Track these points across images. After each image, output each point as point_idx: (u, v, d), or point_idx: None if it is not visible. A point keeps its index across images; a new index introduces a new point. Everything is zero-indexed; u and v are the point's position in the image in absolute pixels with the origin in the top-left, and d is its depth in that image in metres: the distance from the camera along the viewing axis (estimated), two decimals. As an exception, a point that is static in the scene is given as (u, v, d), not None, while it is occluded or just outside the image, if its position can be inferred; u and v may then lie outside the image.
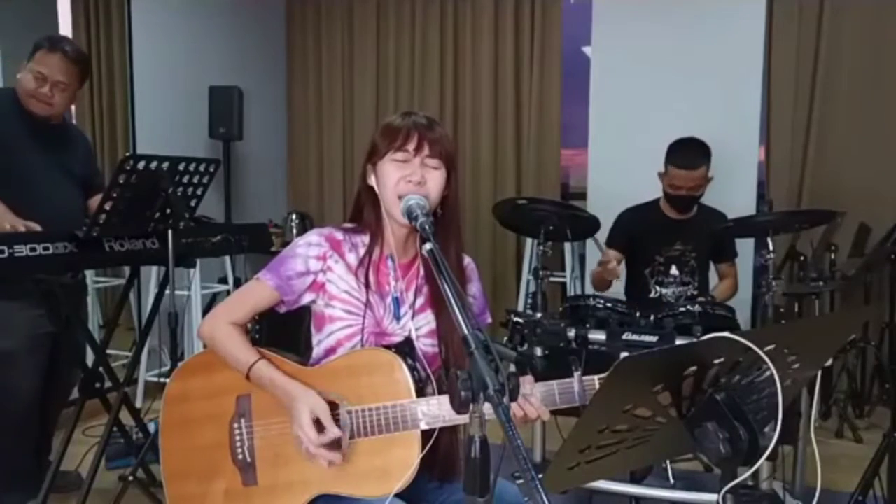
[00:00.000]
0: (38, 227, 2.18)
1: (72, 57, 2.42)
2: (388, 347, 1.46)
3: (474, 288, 1.61)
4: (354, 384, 1.42)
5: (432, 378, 1.47)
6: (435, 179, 1.45)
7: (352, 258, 1.51)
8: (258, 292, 1.51)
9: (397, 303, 1.51)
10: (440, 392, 1.44)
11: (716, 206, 3.00)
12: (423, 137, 1.44)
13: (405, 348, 1.48)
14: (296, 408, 1.38)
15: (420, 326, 1.51)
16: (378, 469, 1.40)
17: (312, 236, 1.52)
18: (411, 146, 1.44)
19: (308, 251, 1.50)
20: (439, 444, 1.41)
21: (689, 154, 2.79)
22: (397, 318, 1.51)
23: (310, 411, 1.36)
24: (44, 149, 2.44)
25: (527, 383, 1.38)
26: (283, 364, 1.48)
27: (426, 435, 1.40)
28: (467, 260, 1.61)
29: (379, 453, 1.40)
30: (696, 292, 2.94)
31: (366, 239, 1.53)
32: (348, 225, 1.56)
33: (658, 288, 2.96)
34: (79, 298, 2.68)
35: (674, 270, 2.94)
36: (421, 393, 1.42)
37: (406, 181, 1.43)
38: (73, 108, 2.91)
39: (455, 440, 1.47)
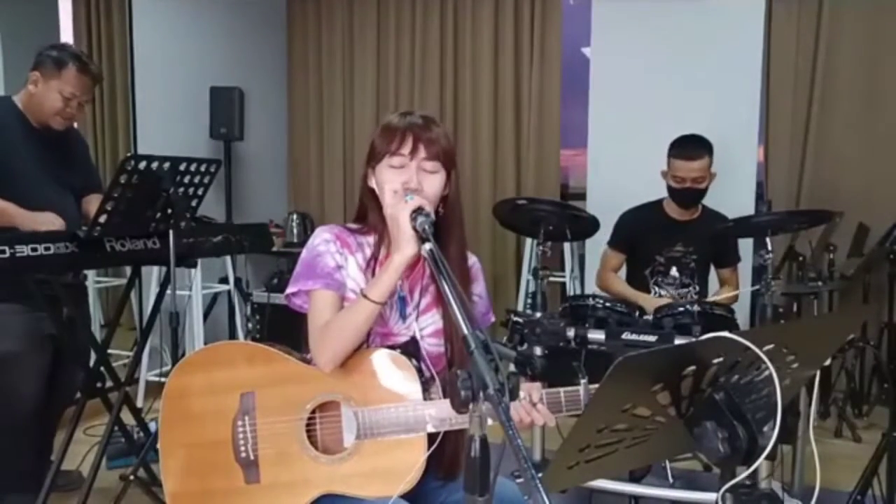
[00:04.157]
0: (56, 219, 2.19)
1: (97, 76, 2.46)
2: (393, 347, 1.46)
3: (479, 287, 1.61)
4: (360, 384, 1.43)
5: (437, 378, 1.47)
6: (432, 184, 1.45)
7: (359, 258, 1.51)
8: (322, 302, 1.46)
9: (403, 302, 1.51)
10: (445, 392, 1.45)
11: (715, 206, 3.00)
12: (419, 139, 1.44)
13: (410, 348, 1.48)
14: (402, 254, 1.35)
15: (425, 326, 1.51)
16: (382, 470, 1.40)
17: (325, 234, 1.51)
18: (406, 149, 1.43)
19: (329, 247, 1.49)
20: (445, 445, 1.41)
21: (689, 145, 2.84)
22: (403, 317, 1.51)
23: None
24: (41, 158, 2.43)
25: (535, 391, 1.39)
26: (285, 362, 1.48)
27: (431, 435, 1.40)
28: (472, 259, 1.60)
29: (384, 454, 1.41)
30: (697, 296, 2.94)
31: (370, 240, 1.53)
32: (353, 226, 1.56)
33: (657, 289, 2.96)
34: (81, 299, 2.69)
35: (674, 272, 2.94)
36: (425, 393, 1.42)
37: (403, 188, 1.42)
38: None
39: (461, 441, 1.46)
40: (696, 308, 2.41)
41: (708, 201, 2.98)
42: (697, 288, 2.96)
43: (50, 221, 2.24)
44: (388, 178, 1.45)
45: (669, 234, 2.92)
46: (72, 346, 2.47)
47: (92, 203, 2.50)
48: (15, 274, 2.06)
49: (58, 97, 2.36)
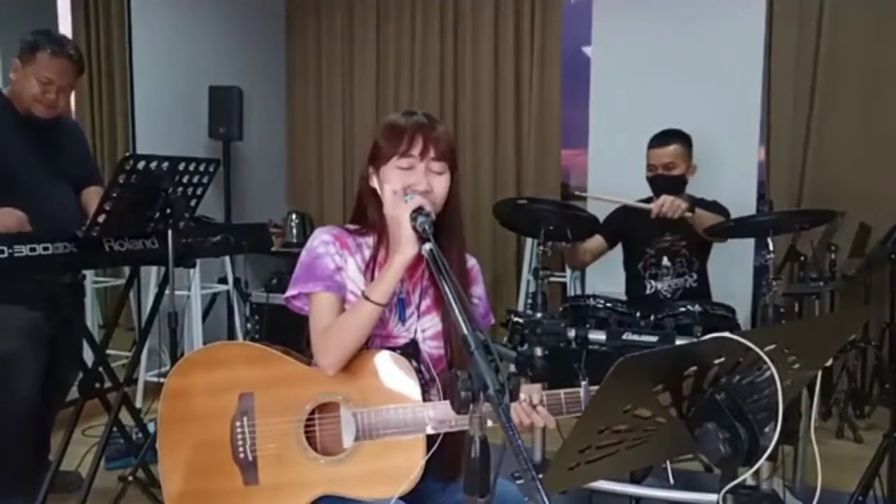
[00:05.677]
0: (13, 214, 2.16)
1: (76, 60, 2.40)
2: (393, 349, 1.45)
3: (479, 289, 1.60)
4: (360, 386, 1.42)
5: (437, 380, 1.47)
6: (440, 185, 1.44)
7: (358, 259, 1.51)
8: (323, 304, 1.45)
9: (403, 304, 1.50)
10: (444, 394, 1.44)
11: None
12: (428, 139, 1.43)
13: (410, 350, 1.48)
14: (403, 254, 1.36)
15: (426, 328, 1.51)
16: (382, 471, 1.40)
17: (324, 235, 1.50)
18: (416, 150, 1.42)
19: (328, 249, 1.48)
20: (445, 447, 1.41)
21: (660, 135, 2.92)
22: (402, 319, 1.50)
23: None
24: (36, 149, 2.42)
25: (535, 392, 1.38)
26: (284, 362, 1.48)
27: (431, 437, 1.40)
28: (472, 261, 1.60)
29: (383, 456, 1.40)
30: (695, 284, 2.94)
31: (370, 241, 1.52)
32: (352, 226, 1.55)
33: (653, 282, 2.96)
34: (79, 299, 2.68)
35: (665, 262, 2.95)
36: (425, 395, 1.41)
37: (412, 190, 1.41)
38: (72, 105, 2.89)
39: (461, 442, 1.45)
40: (697, 308, 2.40)
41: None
42: (695, 276, 2.95)
43: (8, 215, 2.17)
44: (395, 178, 1.43)
45: (656, 225, 2.91)
46: (68, 346, 2.47)
47: (91, 197, 2.49)
48: (14, 274, 2.05)
49: (35, 83, 2.32)
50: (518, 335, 2.48)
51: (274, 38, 5.15)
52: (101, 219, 2.14)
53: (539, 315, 2.50)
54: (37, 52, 2.33)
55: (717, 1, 3.83)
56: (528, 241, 4.19)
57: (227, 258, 4.01)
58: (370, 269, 1.49)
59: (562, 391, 1.41)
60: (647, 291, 2.97)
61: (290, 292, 1.49)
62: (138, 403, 3.64)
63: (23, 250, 2.00)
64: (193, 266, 2.58)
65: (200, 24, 4.41)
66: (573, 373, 1.42)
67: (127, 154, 3.38)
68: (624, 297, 2.97)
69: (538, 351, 2.39)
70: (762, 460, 1.05)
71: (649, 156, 2.93)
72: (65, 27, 3.69)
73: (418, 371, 1.43)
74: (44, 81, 2.33)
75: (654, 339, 2.32)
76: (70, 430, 2.40)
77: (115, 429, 2.52)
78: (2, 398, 2.35)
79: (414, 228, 1.32)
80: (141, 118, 3.98)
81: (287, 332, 1.58)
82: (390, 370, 1.43)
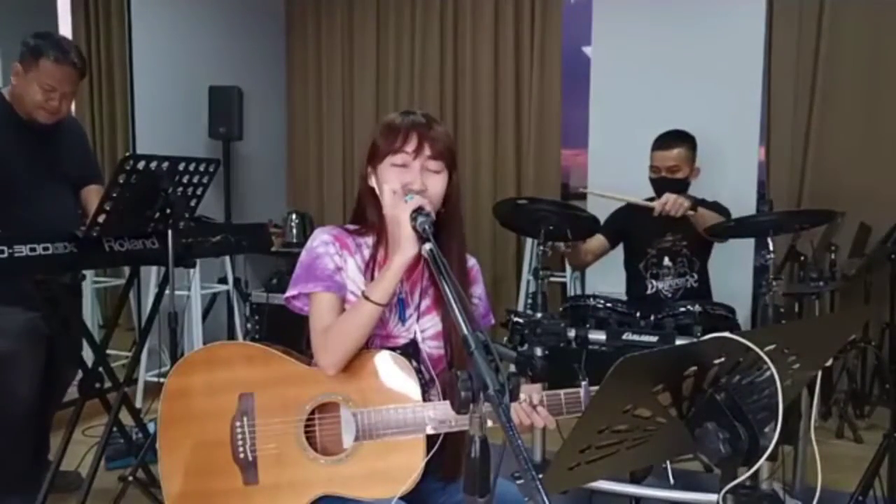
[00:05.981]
0: None
1: (79, 66, 2.38)
2: (393, 349, 1.45)
3: (479, 289, 1.60)
4: (360, 386, 1.42)
5: (437, 380, 1.47)
6: (436, 184, 1.44)
7: (358, 259, 1.50)
8: (323, 304, 1.45)
9: (402, 304, 1.50)
10: (444, 394, 1.44)
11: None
12: (423, 137, 1.42)
13: (410, 350, 1.48)
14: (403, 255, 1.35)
15: (426, 328, 1.51)
16: (382, 471, 1.39)
17: (324, 236, 1.50)
18: (410, 147, 1.42)
19: (328, 249, 1.48)
20: (445, 447, 1.41)
21: (665, 136, 2.92)
22: (402, 319, 1.50)
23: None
24: (35, 153, 2.41)
25: (535, 392, 1.38)
26: (284, 362, 1.48)
27: (431, 437, 1.39)
28: (472, 261, 1.60)
29: (383, 455, 1.40)
30: (696, 284, 2.94)
31: (369, 241, 1.52)
32: (351, 226, 1.55)
33: (654, 282, 2.96)
34: (77, 299, 2.68)
35: (666, 262, 2.95)
36: (425, 395, 1.41)
37: (407, 189, 1.40)
38: (73, 105, 2.89)
39: (461, 442, 1.45)
40: (697, 308, 2.40)
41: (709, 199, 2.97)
42: (696, 276, 2.96)
43: None
44: (391, 177, 1.43)
45: (657, 225, 2.91)
46: (66, 346, 2.47)
47: (91, 195, 2.49)
48: (13, 274, 2.05)
49: (37, 89, 2.30)
50: (518, 335, 2.48)
51: (274, 38, 5.15)
52: (101, 219, 2.14)
53: (539, 315, 2.50)
54: (40, 58, 2.30)
55: (717, 1, 3.83)
56: (528, 241, 4.19)
57: (227, 258, 4.01)
58: (370, 269, 1.49)
59: (562, 391, 1.40)
60: (649, 291, 2.97)
61: (290, 292, 1.49)
62: (138, 403, 3.64)
63: (23, 250, 2.00)
64: (193, 266, 2.59)
65: (200, 24, 4.41)
66: (573, 373, 1.42)
67: (127, 154, 3.39)
68: (624, 297, 2.97)
69: (538, 351, 2.39)
70: (762, 460, 1.05)
71: (653, 157, 2.92)
72: (65, 27, 3.69)
73: (418, 371, 1.43)
74: (47, 88, 2.32)
75: (654, 339, 2.32)
76: (70, 430, 2.40)
77: (115, 429, 2.52)
78: (2, 398, 2.35)
79: (414, 228, 1.32)
80: (141, 118, 3.98)
81: (287, 332, 1.58)
82: (390, 370, 1.42)
